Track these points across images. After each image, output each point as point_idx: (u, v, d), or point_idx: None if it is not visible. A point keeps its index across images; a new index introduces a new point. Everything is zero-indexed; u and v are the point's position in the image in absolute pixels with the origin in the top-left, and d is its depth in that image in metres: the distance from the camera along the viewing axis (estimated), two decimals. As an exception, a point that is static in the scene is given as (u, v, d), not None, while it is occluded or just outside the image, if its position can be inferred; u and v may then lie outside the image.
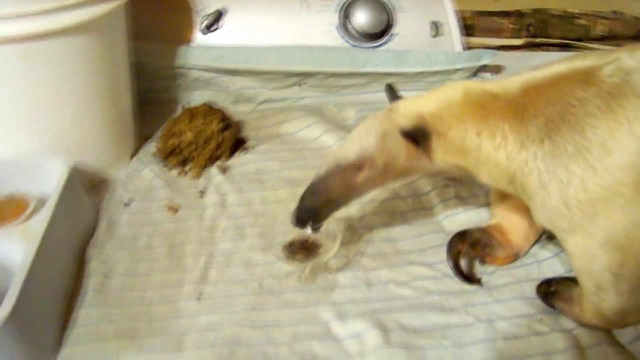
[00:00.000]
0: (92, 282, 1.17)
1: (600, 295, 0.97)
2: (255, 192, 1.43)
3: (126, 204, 1.40)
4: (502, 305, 1.11)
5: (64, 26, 1.19)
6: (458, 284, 1.16)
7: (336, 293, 1.14)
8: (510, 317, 1.09)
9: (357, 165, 1.03)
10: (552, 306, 1.09)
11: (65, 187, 1.21)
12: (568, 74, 0.94)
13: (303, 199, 1.06)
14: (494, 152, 0.97)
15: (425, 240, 1.28)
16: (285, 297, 1.13)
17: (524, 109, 0.95)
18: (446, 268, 1.19)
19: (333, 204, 1.07)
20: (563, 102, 0.91)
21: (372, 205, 1.37)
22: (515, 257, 1.21)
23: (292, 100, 1.81)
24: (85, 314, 1.10)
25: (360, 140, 1.03)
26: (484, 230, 1.20)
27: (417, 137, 1.00)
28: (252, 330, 1.07)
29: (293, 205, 1.08)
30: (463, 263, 1.18)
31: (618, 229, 0.89)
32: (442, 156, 1.02)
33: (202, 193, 1.44)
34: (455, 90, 1.01)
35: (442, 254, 1.21)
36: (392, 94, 1.13)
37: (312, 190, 1.06)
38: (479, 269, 1.20)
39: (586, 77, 0.92)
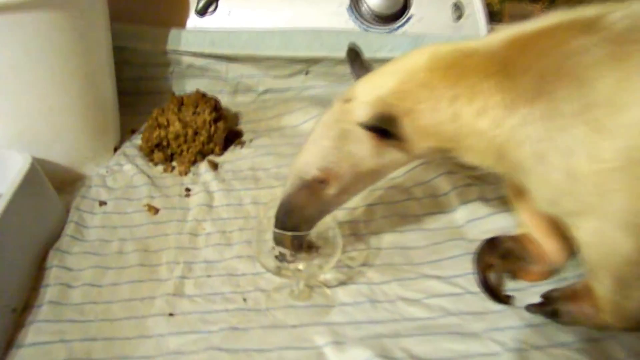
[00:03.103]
0: (49, 292, 1.00)
1: (623, 292, 0.80)
2: (247, 191, 1.25)
3: (102, 203, 1.23)
4: (535, 331, 0.92)
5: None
6: (481, 303, 0.97)
7: (335, 312, 0.97)
8: (546, 346, 0.90)
9: (321, 179, 0.86)
10: (555, 314, 0.91)
11: (25, 182, 1.05)
12: (565, 23, 0.76)
13: (277, 220, 0.90)
14: (475, 119, 0.78)
15: (443, 249, 1.09)
16: (274, 315, 0.97)
17: (509, 63, 0.76)
18: (467, 283, 1.01)
19: (312, 219, 0.91)
20: (559, 52, 0.73)
21: (380, 207, 1.18)
22: (551, 272, 1.01)
23: (296, 90, 1.63)
24: (36, 331, 0.93)
25: (317, 148, 0.86)
26: (516, 239, 1.01)
27: (381, 127, 0.81)
28: (230, 357, 0.89)
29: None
30: (492, 277, 0.98)
31: None
32: (416, 140, 0.83)
33: (188, 191, 1.27)
34: (418, 55, 0.83)
35: (463, 265, 1.03)
36: (357, 61, 0.94)
37: (284, 210, 0.89)
38: (508, 285, 1.00)
39: (588, 25, 0.74)
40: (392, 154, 0.86)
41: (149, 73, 1.62)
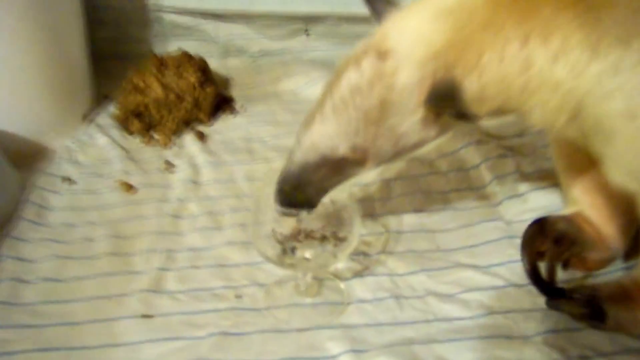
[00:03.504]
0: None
1: None
2: (240, 165, 1.07)
3: (68, 180, 1.04)
4: (600, 333, 0.74)
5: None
6: (529, 299, 0.79)
7: (351, 311, 0.79)
8: (613, 353, 0.72)
9: (353, 160, 0.68)
10: (599, 317, 0.73)
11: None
12: None
13: (281, 195, 0.71)
14: (551, 65, 0.59)
15: (477, 232, 0.90)
16: (275, 316, 0.79)
17: None
18: (510, 273, 0.83)
19: (324, 190, 0.72)
20: None
21: (399, 183, 1.00)
22: (611, 259, 0.82)
23: (296, 53, 1.47)
24: (-22, 339, 0.74)
25: (344, 120, 0.66)
26: (569, 220, 0.83)
27: (443, 100, 0.62)
28: (221, 371, 0.71)
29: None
30: (542, 267, 0.79)
31: None
32: (475, 105, 0.63)
33: (169, 166, 1.08)
34: None
35: (503, 252, 0.86)
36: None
37: (292, 184, 0.70)
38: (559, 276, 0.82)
39: None
40: (442, 124, 0.67)
41: (127, 34, 1.45)
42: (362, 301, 0.79)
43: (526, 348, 0.72)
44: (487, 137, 1.07)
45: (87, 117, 1.22)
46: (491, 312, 0.77)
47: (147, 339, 0.75)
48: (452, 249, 0.87)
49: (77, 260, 0.88)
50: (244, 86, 1.33)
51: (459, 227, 0.91)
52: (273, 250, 0.76)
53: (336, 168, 0.69)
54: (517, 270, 0.82)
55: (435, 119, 0.66)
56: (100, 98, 1.29)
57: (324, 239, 0.76)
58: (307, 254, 0.76)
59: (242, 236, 0.90)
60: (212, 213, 0.96)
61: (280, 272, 0.83)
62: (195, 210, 0.97)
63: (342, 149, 0.67)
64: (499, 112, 0.65)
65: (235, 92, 1.31)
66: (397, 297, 0.79)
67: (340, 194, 0.75)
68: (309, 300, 0.80)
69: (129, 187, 1.02)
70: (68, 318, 0.78)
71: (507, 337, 0.74)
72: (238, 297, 0.81)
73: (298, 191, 0.69)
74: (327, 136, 0.67)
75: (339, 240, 0.75)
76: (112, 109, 1.24)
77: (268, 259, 0.76)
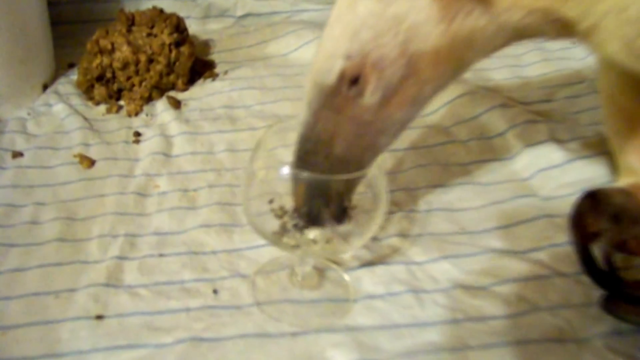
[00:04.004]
0: None
1: None
2: (220, 134, 0.90)
3: (16, 154, 0.87)
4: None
5: None
6: (583, 291, 0.63)
7: (359, 310, 0.62)
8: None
9: (352, 76, 0.50)
10: None
11: None
12: None
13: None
14: None
15: (509, 211, 0.74)
16: (263, 314, 0.62)
17: None
18: (553, 259, 0.67)
19: (352, 159, 0.55)
20: None
21: (411, 153, 0.84)
22: (678, 241, 0.67)
23: (284, 14, 1.28)
24: None
25: (344, 24, 0.51)
26: (627, 193, 0.66)
27: None
28: (191, 389, 0.54)
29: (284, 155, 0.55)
30: (597, 251, 0.63)
31: None
32: None
33: (137, 136, 0.91)
34: None
35: (541, 234, 0.71)
36: None
37: (304, 149, 0.54)
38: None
39: None
40: (466, 20, 0.49)
41: None
42: (372, 297, 0.63)
43: (584, 354, 0.57)
44: (511, 101, 0.91)
45: (49, 87, 1.05)
46: (534, 308, 0.61)
47: (99, 346, 0.58)
48: (480, 231, 0.71)
49: (18, 248, 0.70)
50: (226, 50, 1.16)
51: (485, 204, 0.75)
52: (270, 225, 0.59)
53: (337, 106, 0.51)
54: (561, 256, 0.67)
55: (452, 7, 0.48)
56: (65, 66, 1.12)
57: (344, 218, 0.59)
58: (312, 234, 0.59)
59: (221, 217, 0.74)
60: (186, 190, 0.79)
61: (268, 256, 0.66)
62: (165, 187, 0.80)
63: (338, 62, 0.49)
64: (546, 13, 0.48)
65: (215, 57, 1.14)
66: (416, 291, 0.63)
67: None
68: (306, 294, 0.64)
69: (88, 162, 0.85)
70: (1, 320, 0.62)
71: (557, 340, 0.58)
72: (215, 292, 0.64)
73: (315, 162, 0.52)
74: (324, 56, 0.50)
75: (359, 220, 0.58)
76: (75, 76, 1.06)
77: (262, 234, 0.59)
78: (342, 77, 0.50)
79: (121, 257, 0.68)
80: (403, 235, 0.70)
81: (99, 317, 0.61)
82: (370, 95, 0.50)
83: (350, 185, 0.55)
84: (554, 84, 1.00)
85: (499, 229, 0.71)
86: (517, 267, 0.66)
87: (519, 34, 0.53)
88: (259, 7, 1.28)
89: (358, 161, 0.55)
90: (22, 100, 1.00)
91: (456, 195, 0.77)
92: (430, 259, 0.67)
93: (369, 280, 0.65)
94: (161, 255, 0.69)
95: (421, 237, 0.70)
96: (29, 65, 1.02)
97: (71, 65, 1.12)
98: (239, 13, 1.28)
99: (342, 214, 0.55)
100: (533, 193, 0.77)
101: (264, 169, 0.58)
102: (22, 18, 0.99)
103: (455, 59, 0.52)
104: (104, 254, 0.69)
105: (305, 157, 0.53)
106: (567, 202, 0.66)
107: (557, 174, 0.78)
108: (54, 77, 1.08)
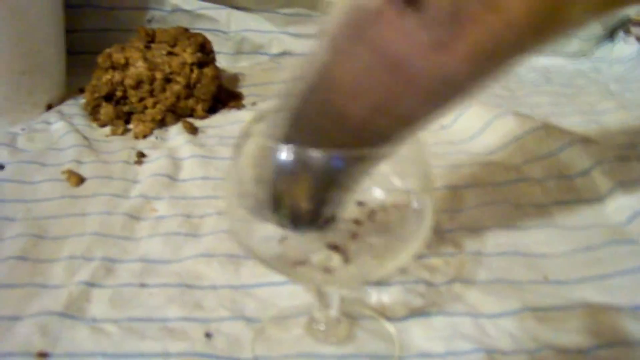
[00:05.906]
0: None
1: None
2: (239, 158, 0.73)
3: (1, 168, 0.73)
4: None
5: None
6: None
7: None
8: None
9: None
10: None
11: None
12: None
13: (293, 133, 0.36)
14: None
15: (604, 258, 0.56)
16: None
17: None
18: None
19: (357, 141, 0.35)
20: None
21: (475, 191, 0.66)
22: None
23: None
24: None
25: None
26: None
27: None
28: None
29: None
30: None
31: None
32: None
33: (141, 157, 0.76)
34: None
35: None
36: None
37: (317, 109, 0.35)
38: None
39: None
40: None
41: (118, 21, 1.15)
42: (428, 355, 0.45)
43: None
44: (593, 139, 0.75)
45: (53, 107, 0.92)
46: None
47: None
48: (571, 281, 0.53)
49: (-34, 267, 0.55)
50: (257, 85, 1.03)
51: (573, 250, 0.57)
52: (270, 246, 0.42)
53: (370, 37, 0.33)
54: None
55: None
56: (75, 90, 0.99)
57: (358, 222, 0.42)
58: (315, 255, 0.42)
59: (229, 246, 0.57)
60: (189, 216, 0.63)
61: (283, 297, 0.49)
62: (163, 211, 0.64)
63: None
64: None
65: (245, 91, 1.00)
66: (488, 351, 0.45)
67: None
68: (331, 350, 0.46)
69: (77, 179, 0.70)
70: None
71: None
72: (207, 335, 0.47)
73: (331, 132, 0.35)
74: None
75: (394, 237, 0.41)
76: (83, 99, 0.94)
77: (261, 260, 0.42)
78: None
79: (90, 283, 0.51)
80: (466, 281, 0.52)
81: (42, 355, 0.44)
82: (432, 20, 0.32)
83: (360, 173, 0.37)
84: (637, 130, 0.84)
85: (595, 279, 0.53)
86: (622, 325, 0.47)
87: None
88: (297, 45, 1.16)
89: (379, 134, 0.36)
90: (20, 117, 0.87)
91: (534, 239, 0.59)
92: (504, 312, 0.49)
93: (422, 334, 0.46)
94: (142, 285, 0.52)
95: (491, 285, 0.52)
96: (33, 80, 0.90)
97: (82, 90, 0.99)
98: (274, 51, 1.16)
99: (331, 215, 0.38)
100: (630, 239, 0.59)
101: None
102: (27, 25, 0.88)
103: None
104: (69, 278, 0.52)
105: (302, 124, 0.36)
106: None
107: (662, 220, 0.60)
108: (62, 100, 0.96)
